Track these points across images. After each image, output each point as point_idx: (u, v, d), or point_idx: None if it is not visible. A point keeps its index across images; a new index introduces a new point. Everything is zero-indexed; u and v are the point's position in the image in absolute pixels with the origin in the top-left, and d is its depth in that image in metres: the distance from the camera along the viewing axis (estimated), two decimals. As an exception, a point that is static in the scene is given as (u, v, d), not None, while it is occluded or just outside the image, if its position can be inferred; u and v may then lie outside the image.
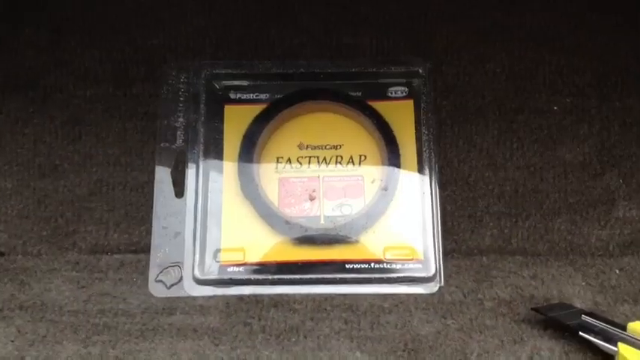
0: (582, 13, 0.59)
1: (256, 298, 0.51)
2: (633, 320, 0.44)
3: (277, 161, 0.55)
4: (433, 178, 0.54)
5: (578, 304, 0.48)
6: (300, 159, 0.55)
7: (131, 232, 0.57)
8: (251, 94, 0.56)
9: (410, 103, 0.55)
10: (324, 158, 0.55)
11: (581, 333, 0.44)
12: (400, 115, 0.55)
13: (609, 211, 0.56)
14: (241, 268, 0.51)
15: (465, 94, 0.58)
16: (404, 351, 0.44)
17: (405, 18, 0.59)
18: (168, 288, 0.52)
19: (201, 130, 0.54)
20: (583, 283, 0.51)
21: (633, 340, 0.43)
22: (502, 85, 0.58)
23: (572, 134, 0.58)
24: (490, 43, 0.59)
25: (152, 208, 0.54)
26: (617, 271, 0.53)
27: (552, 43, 0.59)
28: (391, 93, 0.56)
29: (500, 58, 0.59)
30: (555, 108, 0.58)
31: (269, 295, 0.51)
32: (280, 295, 0.51)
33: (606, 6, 0.59)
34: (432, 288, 0.51)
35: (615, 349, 0.42)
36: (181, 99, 0.56)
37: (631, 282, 0.51)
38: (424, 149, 0.54)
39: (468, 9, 0.59)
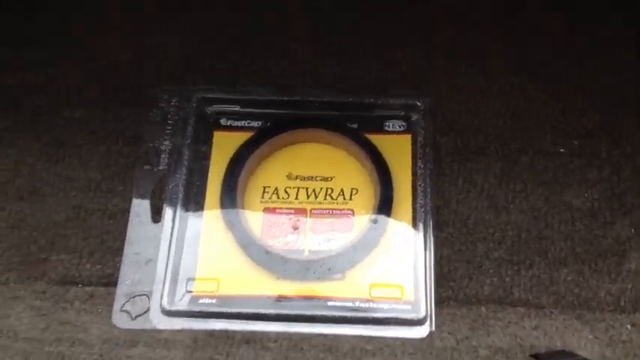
0: (588, 49, 0.57)
1: (227, 334, 0.47)
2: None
3: (264, 190, 0.52)
4: (429, 216, 0.50)
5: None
6: (287, 189, 0.52)
7: (104, 263, 0.53)
8: (243, 122, 0.54)
9: (407, 137, 0.53)
10: (314, 190, 0.52)
11: None
12: (396, 149, 0.53)
13: (620, 262, 0.52)
14: (214, 300, 0.48)
15: (466, 131, 0.55)
16: None
17: (406, 51, 0.58)
18: (133, 319, 0.48)
19: (187, 153, 0.52)
20: (590, 337, 0.47)
21: None
22: (506, 123, 0.56)
23: (579, 178, 0.54)
24: (494, 81, 0.57)
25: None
26: (629, 327, 0.48)
27: (558, 81, 0.56)
28: (388, 126, 0.54)
29: (504, 95, 0.56)
30: (562, 150, 0.55)
31: (242, 332, 0.47)
32: (254, 332, 0.47)
33: (613, 44, 0.57)
34: (421, 332, 0.47)
35: None
36: (170, 122, 0.54)
37: None
38: (420, 185, 0.51)
39: (472, 45, 0.58)
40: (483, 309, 0.50)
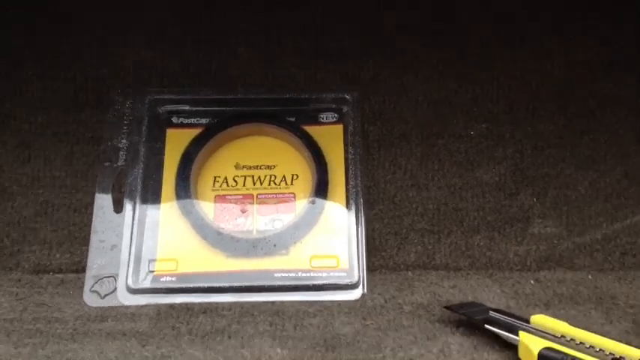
0: (493, 45, 0.65)
1: (187, 306, 0.53)
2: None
3: (215, 180, 0.58)
4: (360, 196, 0.57)
5: (490, 306, 0.51)
6: (236, 178, 0.58)
7: (73, 252, 0.59)
8: (192, 119, 0.60)
9: (340, 127, 0.60)
10: (259, 177, 0.58)
11: (486, 326, 0.47)
12: (330, 138, 0.59)
13: (525, 228, 0.60)
14: (174, 278, 0.54)
15: (390, 120, 0.62)
16: (322, 347, 0.46)
17: (335, 51, 0.64)
18: (102, 298, 0.54)
19: (142, 150, 0.58)
20: (498, 291, 0.54)
21: (534, 330, 0.46)
22: (424, 112, 0.63)
23: (488, 157, 0.62)
24: (412, 75, 0.64)
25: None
26: (532, 282, 0.56)
27: (468, 75, 0.64)
28: (322, 118, 0.60)
29: (422, 88, 0.63)
30: (472, 133, 0.62)
31: (200, 303, 0.53)
32: (210, 303, 0.53)
33: (515, 39, 0.65)
34: (355, 295, 0.54)
35: (517, 338, 0.45)
36: (126, 122, 0.60)
37: (544, 291, 0.55)
38: (351, 169, 0.58)
39: (391, 44, 0.65)
40: (410, 273, 0.58)
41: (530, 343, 0.44)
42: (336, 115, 0.60)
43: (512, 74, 0.64)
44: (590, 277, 0.57)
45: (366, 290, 0.54)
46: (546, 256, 0.59)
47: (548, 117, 0.63)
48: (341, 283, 0.54)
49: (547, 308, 0.52)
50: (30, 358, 0.45)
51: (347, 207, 0.57)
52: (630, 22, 0.66)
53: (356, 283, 0.54)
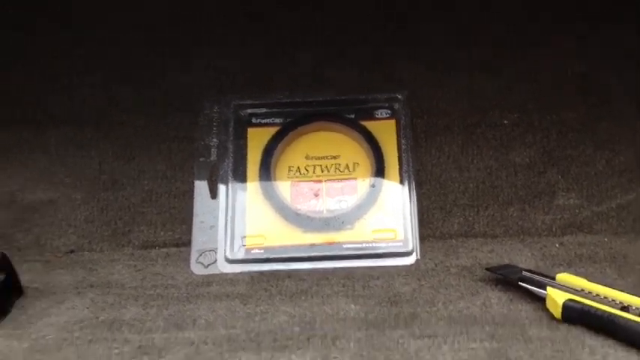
0: (523, 45, 0.73)
1: (274, 273, 0.63)
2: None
3: (289, 169, 0.69)
4: (411, 178, 0.67)
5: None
6: (307, 167, 0.69)
7: (174, 230, 0.69)
8: (268, 119, 0.70)
9: (392, 122, 0.70)
10: (326, 166, 0.68)
11: (520, 283, 0.56)
12: (385, 131, 0.69)
13: (551, 200, 0.68)
14: (262, 251, 0.65)
15: (434, 114, 0.72)
16: (387, 303, 0.56)
17: (387, 57, 0.74)
18: (206, 267, 0.65)
19: (230, 147, 0.69)
20: (529, 254, 0.63)
21: (559, 285, 0.55)
22: (463, 105, 0.72)
23: (519, 142, 0.70)
24: (452, 74, 0.73)
25: (192, 210, 0.67)
26: (557, 245, 0.65)
27: (500, 71, 0.72)
28: (377, 114, 0.70)
29: (460, 85, 0.72)
30: (505, 122, 0.71)
31: (284, 270, 0.63)
32: (292, 270, 0.63)
33: (541, 39, 0.74)
34: (410, 260, 0.64)
35: (545, 292, 0.54)
36: (214, 124, 0.71)
37: (567, 252, 0.64)
38: (404, 156, 0.68)
39: (433, 48, 0.74)
40: (454, 241, 0.67)
41: (555, 296, 0.53)
42: (389, 111, 0.70)
43: (539, 70, 0.72)
44: (605, 240, 0.66)
45: (419, 256, 0.64)
46: (569, 223, 0.67)
47: (571, 106, 0.71)
48: (398, 251, 0.64)
49: (569, 267, 0.61)
50: (158, 317, 0.55)
51: (401, 188, 0.67)
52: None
53: (411, 251, 0.64)
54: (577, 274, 0.57)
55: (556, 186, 0.69)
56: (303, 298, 0.58)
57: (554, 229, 0.68)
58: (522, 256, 0.64)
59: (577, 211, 0.68)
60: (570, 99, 0.72)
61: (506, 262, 0.62)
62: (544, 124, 0.72)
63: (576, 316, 0.52)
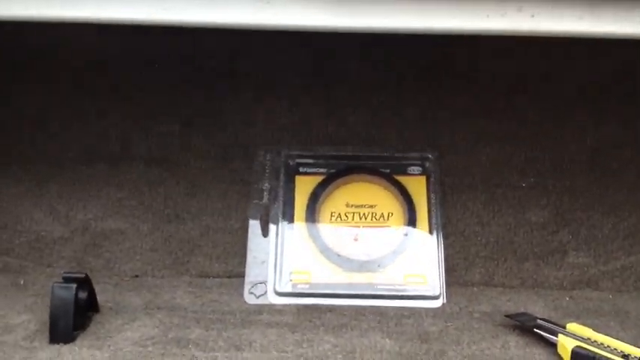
0: (545, 119, 0.82)
1: (317, 306, 0.70)
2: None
3: (331, 215, 0.77)
4: (440, 230, 0.75)
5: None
6: (347, 214, 0.77)
7: (228, 263, 0.77)
8: (314, 169, 0.79)
9: (423, 178, 0.78)
10: (364, 214, 0.77)
11: (535, 330, 0.64)
12: (416, 186, 0.77)
13: (563, 258, 0.76)
14: (307, 286, 0.72)
15: (461, 173, 0.79)
16: (417, 340, 0.63)
17: (421, 118, 0.82)
18: (257, 297, 0.72)
19: (281, 191, 0.77)
20: (542, 305, 0.71)
21: (569, 334, 0.62)
22: (487, 168, 0.80)
23: (535, 203, 0.78)
24: (478, 140, 0.81)
25: (245, 246, 0.75)
26: (567, 298, 0.73)
27: (521, 141, 0.81)
28: (410, 170, 0.78)
29: (485, 150, 0.81)
30: (524, 185, 0.79)
31: (326, 305, 0.70)
32: (333, 305, 0.70)
33: (556, 119, 0.82)
34: (437, 304, 0.71)
35: (557, 339, 0.61)
36: (267, 171, 0.79)
37: (576, 306, 0.71)
38: (433, 210, 0.76)
39: (464, 115, 0.82)
40: (475, 289, 0.75)
41: (566, 343, 0.60)
42: (420, 168, 0.78)
43: (555, 143, 0.81)
44: (610, 296, 0.73)
45: (445, 300, 0.72)
46: (578, 279, 0.75)
47: (582, 175, 0.79)
48: (427, 294, 0.72)
49: (578, 318, 0.67)
50: (218, 338, 0.62)
51: (430, 238, 0.75)
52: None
53: (438, 295, 0.72)
54: (585, 324, 0.64)
55: (568, 245, 0.77)
56: (343, 330, 0.65)
57: (565, 284, 0.75)
58: (537, 306, 0.71)
59: (586, 269, 0.76)
60: (582, 167, 0.80)
61: (523, 310, 0.70)
62: (558, 188, 0.79)
63: (583, 361, 0.59)
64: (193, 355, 0.60)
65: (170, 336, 0.63)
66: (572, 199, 0.79)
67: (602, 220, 0.78)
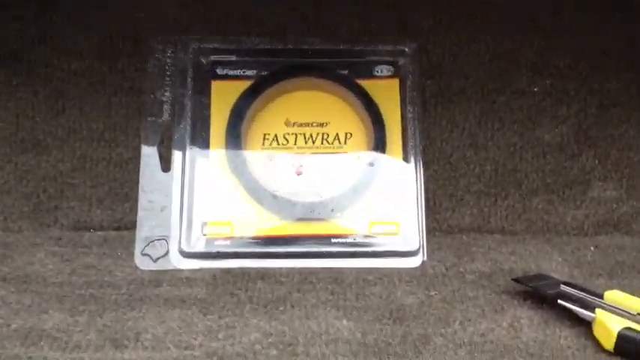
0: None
1: (243, 271, 0.54)
2: (609, 292, 0.49)
3: (264, 137, 0.58)
4: (418, 156, 0.58)
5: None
6: (286, 135, 0.58)
7: (114, 209, 0.60)
8: (238, 70, 0.59)
9: (396, 82, 0.59)
10: (311, 135, 0.58)
11: (560, 301, 0.47)
12: (386, 93, 0.59)
13: (585, 191, 0.62)
14: (228, 242, 0.55)
15: (449, 74, 0.63)
16: (389, 319, 0.47)
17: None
18: (155, 261, 0.54)
19: (189, 104, 0.57)
20: (560, 259, 0.56)
21: (611, 307, 0.46)
22: (485, 66, 0.64)
23: (550, 115, 0.63)
24: (475, 25, 0.64)
25: (137, 184, 0.57)
26: (592, 248, 0.59)
27: (534, 25, 0.64)
28: (377, 71, 0.59)
29: (485, 39, 0.64)
30: (535, 89, 0.63)
31: (256, 269, 0.54)
32: (267, 269, 0.54)
33: None
34: (415, 262, 0.55)
35: (593, 315, 0.45)
36: (168, 73, 0.58)
37: (605, 258, 0.57)
38: (409, 128, 0.58)
39: None
40: (464, 237, 0.60)
41: (608, 322, 0.44)
42: (392, 68, 0.59)
43: (580, 27, 0.64)
44: None
45: (425, 257, 0.55)
46: (604, 220, 0.61)
47: (616, 74, 0.64)
48: (400, 249, 0.55)
49: (610, 278, 0.53)
50: (89, 328, 0.45)
51: (406, 168, 0.57)
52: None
53: (416, 250, 0.55)
54: (621, 286, 0.50)
55: (592, 173, 0.63)
56: (280, 308, 0.49)
57: (585, 227, 0.62)
58: (552, 262, 0.56)
59: (614, 205, 0.62)
60: (616, 64, 0.64)
61: (532, 267, 0.55)
62: (582, 94, 0.64)
63: (634, 349, 0.43)
64: (45, 358, 0.43)
65: (14, 326, 0.46)
66: (602, 108, 0.64)
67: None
